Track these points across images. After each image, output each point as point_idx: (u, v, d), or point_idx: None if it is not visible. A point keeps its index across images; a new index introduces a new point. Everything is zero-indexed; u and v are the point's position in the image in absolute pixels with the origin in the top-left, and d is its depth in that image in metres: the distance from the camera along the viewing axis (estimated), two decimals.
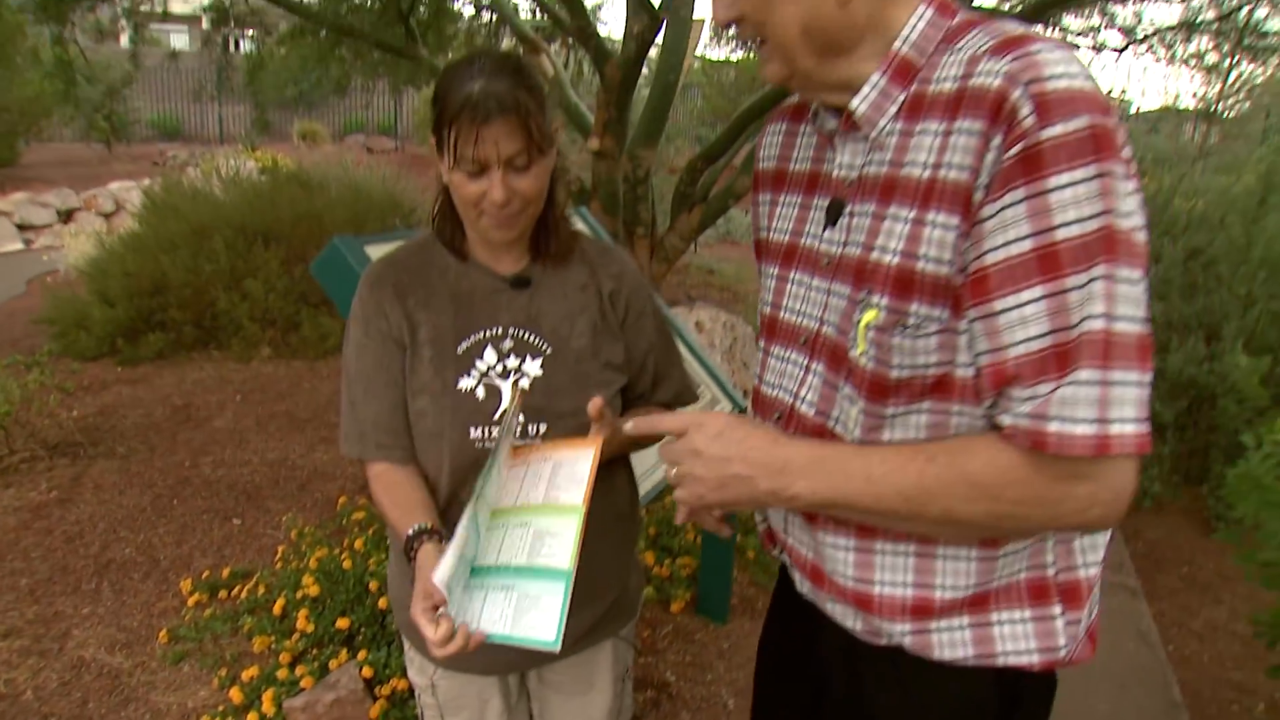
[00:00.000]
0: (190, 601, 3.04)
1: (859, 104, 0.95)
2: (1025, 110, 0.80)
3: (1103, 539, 1.00)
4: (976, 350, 0.87)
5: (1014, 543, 0.96)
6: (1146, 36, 7.57)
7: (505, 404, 1.33)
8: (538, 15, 6.73)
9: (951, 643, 0.99)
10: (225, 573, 3.19)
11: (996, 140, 0.82)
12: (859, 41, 0.95)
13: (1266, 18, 6.74)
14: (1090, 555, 0.99)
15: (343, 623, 2.61)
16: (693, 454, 0.97)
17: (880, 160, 0.95)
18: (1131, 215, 0.81)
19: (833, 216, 1.01)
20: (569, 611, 1.06)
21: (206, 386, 5.20)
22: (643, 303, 1.45)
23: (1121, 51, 7.57)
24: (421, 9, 5.95)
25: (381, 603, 2.65)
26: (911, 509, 0.89)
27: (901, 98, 0.94)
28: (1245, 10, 6.69)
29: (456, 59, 1.33)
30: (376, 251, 2.04)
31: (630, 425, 1.11)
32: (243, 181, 7.44)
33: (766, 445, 0.95)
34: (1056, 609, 0.98)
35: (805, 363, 1.05)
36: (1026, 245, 0.81)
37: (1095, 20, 7.69)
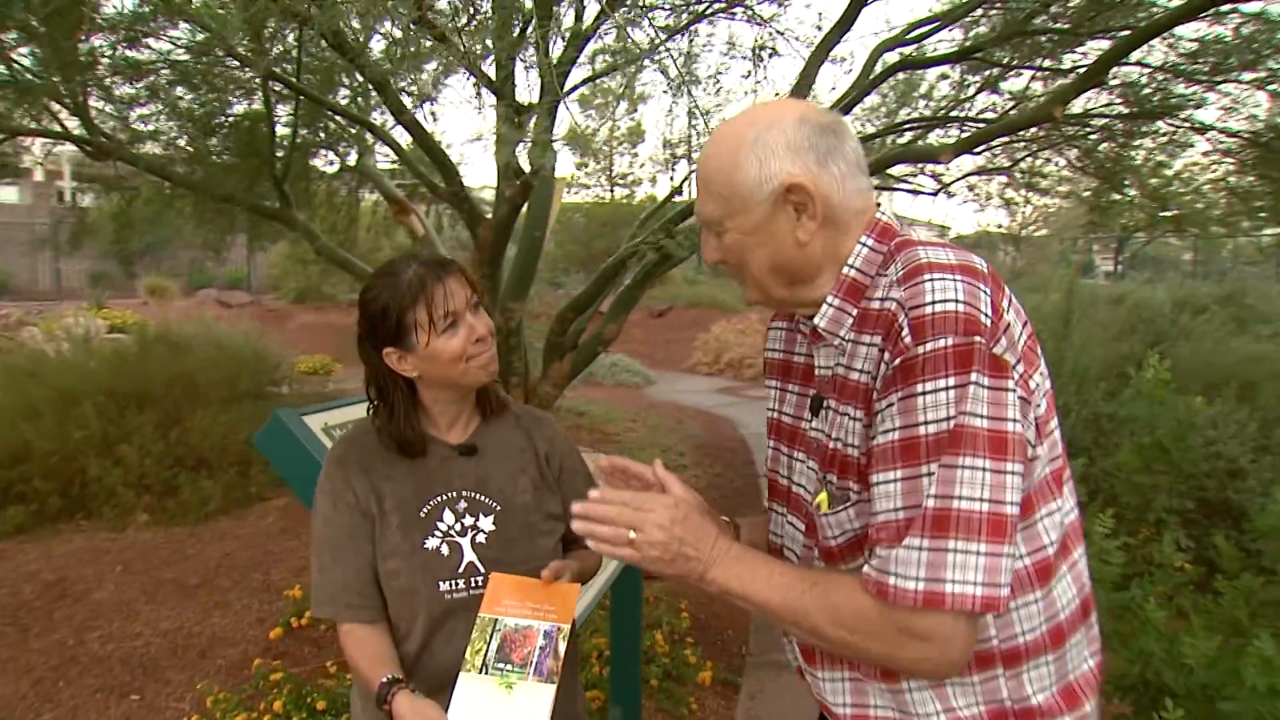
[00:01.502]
0: None
1: (820, 320, 1.17)
2: (905, 331, 1.02)
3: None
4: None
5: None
6: (954, 180, 8.70)
7: (466, 557, 1.55)
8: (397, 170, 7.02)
9: None
10: None
11: (886, 354, 1.05)
12: (819, 271, 1.17)
13: (1044, 164, 7.94)
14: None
15: None
16: (657, 526, 1.14)
17: (842, 364, 1.16)
18: (983, 416, 0.98)
19: (814, 408, 1.23)
20: None
21: (80, 559, 4.99)
22: (574, 461, 1.73)
23: (935, 194, 8.66)
24: (290, 172, 6.14)
25: None
26: (791, 617, 1.11)
27: (855, 312, 1.14)
28: (1028, 159, 7.89)
29: (370, 279, 1.55)
30: (315, 420, 2.23)
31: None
32: (93, 341, 7.22)
33: (709, 538, 1.16)
34: None
35: (802, 528, 1.27)
36: (895, 436, 1.03)
37: (913, 169, 8.77)
